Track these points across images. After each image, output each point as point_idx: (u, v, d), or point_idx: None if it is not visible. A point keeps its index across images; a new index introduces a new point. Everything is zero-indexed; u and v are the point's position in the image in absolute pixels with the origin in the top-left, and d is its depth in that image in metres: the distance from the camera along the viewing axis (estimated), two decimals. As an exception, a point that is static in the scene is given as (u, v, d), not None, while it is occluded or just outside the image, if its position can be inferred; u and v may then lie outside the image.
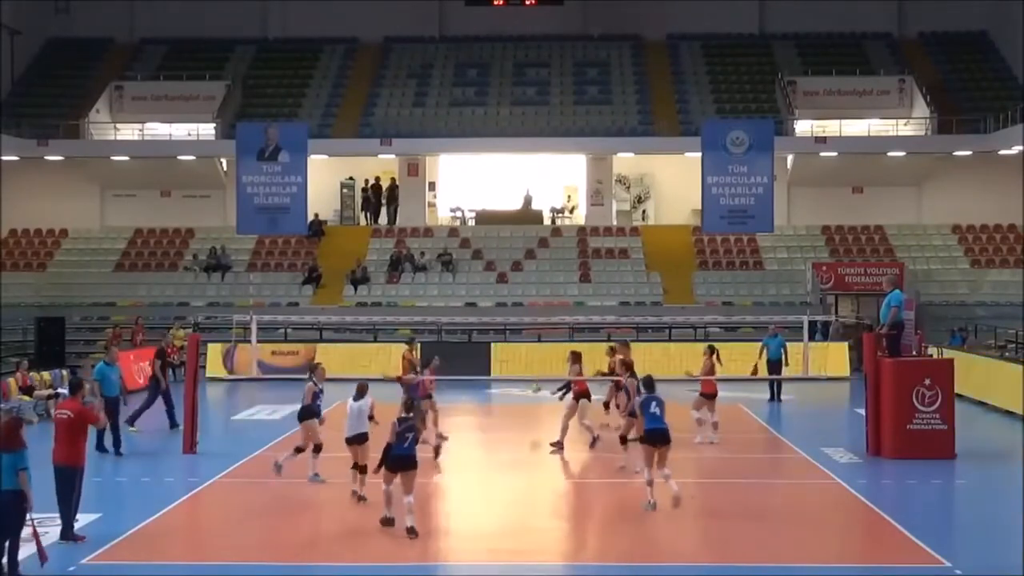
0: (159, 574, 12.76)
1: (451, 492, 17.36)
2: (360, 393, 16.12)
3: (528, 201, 43.88)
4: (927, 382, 19.14)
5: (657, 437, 15.18)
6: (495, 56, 47.81)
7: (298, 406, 17.11)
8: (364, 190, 44.30)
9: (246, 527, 14.82)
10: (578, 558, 13.54)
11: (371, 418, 16.08)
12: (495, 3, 49.05)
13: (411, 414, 14.42)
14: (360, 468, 15.84)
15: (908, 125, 42.26)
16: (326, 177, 42.75)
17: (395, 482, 14.10)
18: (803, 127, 41.92)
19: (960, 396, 22.25)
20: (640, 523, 14.87)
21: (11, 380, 25.12)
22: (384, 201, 43.94)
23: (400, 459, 14.09)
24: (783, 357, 26.22)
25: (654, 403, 15.40)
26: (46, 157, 41.23)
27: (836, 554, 13.54)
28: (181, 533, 14.80)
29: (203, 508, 16.13)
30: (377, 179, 44.23)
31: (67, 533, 13.66)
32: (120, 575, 12.59)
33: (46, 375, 26.67)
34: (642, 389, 15.88)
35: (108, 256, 41.85)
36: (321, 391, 17.50)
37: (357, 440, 15.95)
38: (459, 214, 44.93)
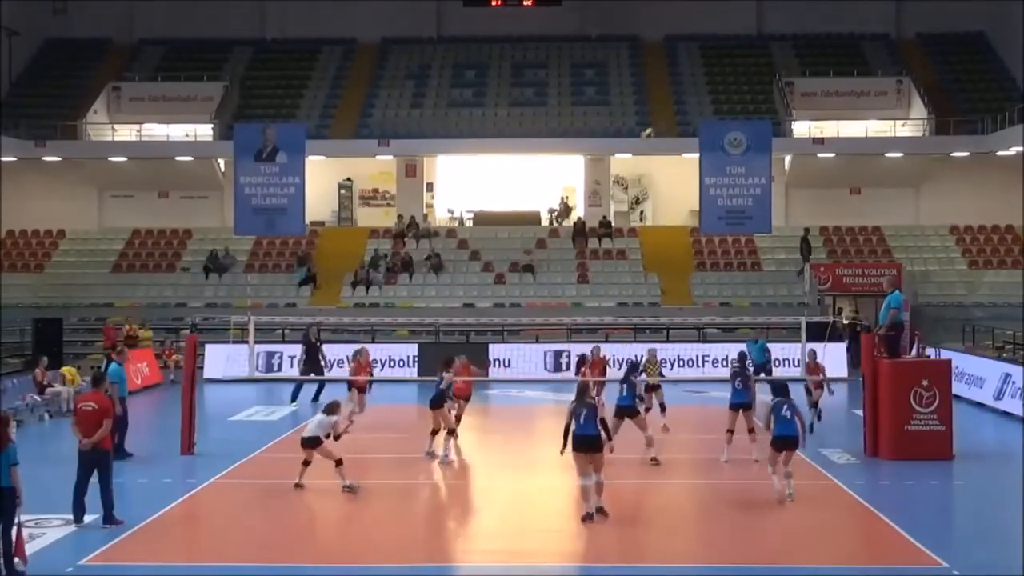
0: (157, 574, 12.76)
1: (450, 493, 17.35)
2: (330, 410, 16.75)
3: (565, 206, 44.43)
4: (925, 383, 19.14)
5: (786, 443, 15.52)
6: (493, 57, 47.84)
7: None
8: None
9: (245, 527, 14.82)
10: (577, 559, 13.54)
11: (337, 437, 16.90)
12: (493, 4, 49.09)
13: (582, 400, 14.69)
14: (337, 461, 16.35)
15: (906, 126, 42.33)
16: (324, 178, 42.77)
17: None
18: (801, 128, 41.97)
19: (958, 397, 22.30)
20: (639, 524, 14.88)
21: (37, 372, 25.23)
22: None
23: (581, 439, 14.31)
24: (768, 361, 26.27)
25: (785, 407, 15.61)
26: (44, 158, 41.24)
27: (834, 555, 13.52)
28: (179, 534, 14.80)
29: (201, 509, 16.11)
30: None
31: (109, 517, 14.21)
32: (118, 575, 12.59)
33: (71, 371, 26.68)
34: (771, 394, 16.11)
35: (106, 257, 41.84)
36: (451, 384, 19.35)
37: (310, 443, 16.48)
38: (457, 215, 44.99)
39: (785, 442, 15.56)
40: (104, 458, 14.43)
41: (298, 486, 16.48)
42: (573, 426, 14.47)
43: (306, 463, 16.59)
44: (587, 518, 14.30)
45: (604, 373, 21.74)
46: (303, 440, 16.58)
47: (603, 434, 14.68)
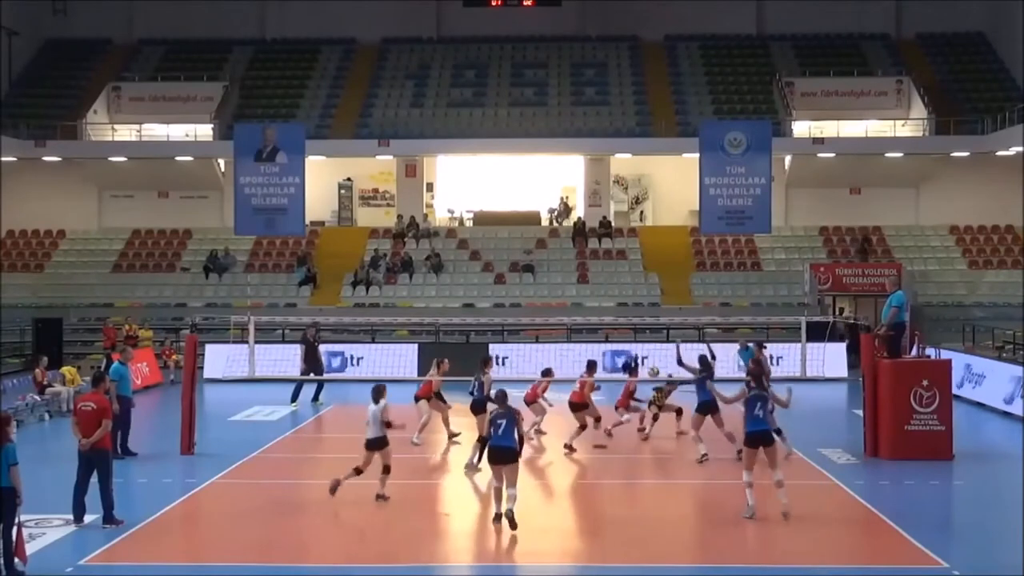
0: (157, 574, 12.77)
1: (450, 493, 17.35)
2: (375, 396, 15.75)
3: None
4: (925, 383, 19.14)
5: (759, 439, 14.77)
6: (493, 57, 47.84)
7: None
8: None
9: (245, 527, 14.80)
10: (577, 559, 13.54)
11: (388, 424, 15.65)
12: (492, 4, 49.06)
13: (503, 406, 14.49)
14: (384, 468, 15.71)
15: (906, 126, 42.32)
16: (324, 178, 42.78)
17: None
18: (801, 128, 41.96)
19: (958, 397, 22.29)
20: (639, 524, 14.87)
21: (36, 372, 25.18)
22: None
23: (496, 450, 14.19)
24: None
25: (759, 404, 14.91)
26: (44, 158, 41.24)
27: (834, 555, 13.54)
28: (179, 533, 14.80)
29: (201, 509, 16.12)
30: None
31: (109, 517, 14.20)
32: (118, 575, 12.59)
33: (71, 370, 26.64)
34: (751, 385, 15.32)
35: (106, 257, 41.85)
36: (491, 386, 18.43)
37: (373, 445, 15.63)
38: (457, 215, 45.00)
39: (757, 438, 14.70)
40: (103, 458, 14.43)
41: (334, 489, 15.62)
42: (491, 436, 14.39)
43: (358, 471, 15.61)
44: (496, 518, 14.25)
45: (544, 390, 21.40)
46: (368, 443, 15.61)
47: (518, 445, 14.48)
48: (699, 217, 36.99)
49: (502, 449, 14.19)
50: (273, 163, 36.06)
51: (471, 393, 19.06)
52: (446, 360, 21.16)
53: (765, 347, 22.86)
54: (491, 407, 17.55)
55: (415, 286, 38.98)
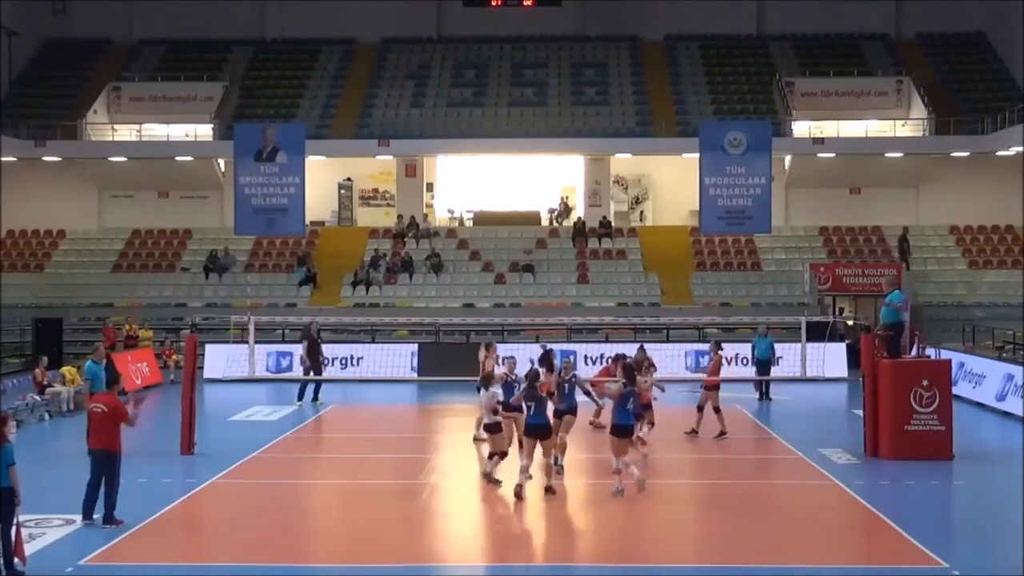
0: (157, 574, 12.76)
1: (450, 493, 17.34)
2: (485, 383, 17.00)
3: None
4: (925, 383, 19.12)
5: (626, 431, 16.21)
6: (493, 57, 47.84)
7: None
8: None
9: (245, 528, 14.80)
10: (576, 559, 13.53)
11: (495, 411, 16.65)
12: (493, 4, 49.06)
13: (532, 383, 16.06)
14: (500, 454, 16.71)
15: (906, 126, 42.32)
16: (324, 178, 42.77)
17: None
18: (801, 128, 41.96)
19: (957, 397, 22.28)
20: (638, 524, 14.87)
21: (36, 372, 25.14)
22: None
23: (533, 427, 15.85)
24: (771, 356, 26.66)
25: (631, 399, 16.20)
26: (44, 158, 41.24)
27: (833, 555, 13.52)
28: (179, 533, 14.78)
29: (201, 509, 16.11)
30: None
31: (109, 517, 14.17)
32: (118, 575, 12.59)
33: (71, 370, 26.58)
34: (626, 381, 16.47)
35: (106, 257, 41.86)
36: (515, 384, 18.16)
37: (490, 429, 16.74)
38: (457, 215, 45.00)
39: (625, 431, 16.10)
40: (112, 459, 14.38)
41: (487, 476, 16.68)
42: (526, 413, 16.02)
43: (503, 455, 16.68)
44: (518, 489, 15.63)
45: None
46: (486, 427, 16.82)
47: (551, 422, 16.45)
48: (699, 217, 36.99)
49: (538, 426, 15.94)
50: (273, 163, 36.07)
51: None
52: (495, 343, 21.70)
53: (722, 348, 22.86)
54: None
55: (415, 286, 38.98)
